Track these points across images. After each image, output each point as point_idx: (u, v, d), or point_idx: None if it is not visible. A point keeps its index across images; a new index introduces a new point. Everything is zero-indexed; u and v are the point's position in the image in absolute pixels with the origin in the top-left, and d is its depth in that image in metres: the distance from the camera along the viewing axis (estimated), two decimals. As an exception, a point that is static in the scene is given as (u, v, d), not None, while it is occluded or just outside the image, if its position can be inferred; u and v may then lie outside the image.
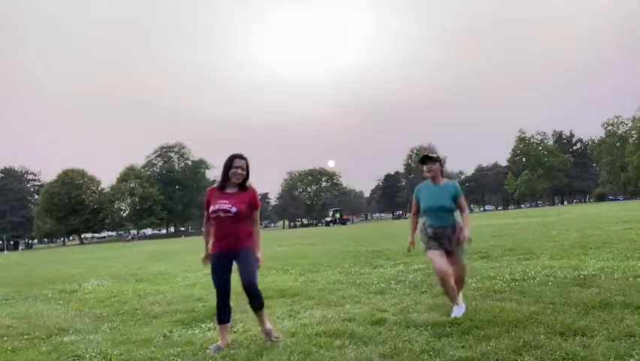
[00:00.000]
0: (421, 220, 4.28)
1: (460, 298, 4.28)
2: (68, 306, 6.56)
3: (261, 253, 3.87)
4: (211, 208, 3.71)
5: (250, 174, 3.83)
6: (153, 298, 6.61)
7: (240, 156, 3.79)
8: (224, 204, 3.68)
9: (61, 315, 5.83)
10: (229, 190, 3.79)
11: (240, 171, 3.73)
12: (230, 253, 3.72)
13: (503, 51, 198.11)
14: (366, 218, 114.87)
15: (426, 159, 4.19)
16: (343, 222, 65.43)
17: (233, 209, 3.68)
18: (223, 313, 3.77)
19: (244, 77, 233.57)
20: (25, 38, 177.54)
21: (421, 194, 4.25)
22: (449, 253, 4.15)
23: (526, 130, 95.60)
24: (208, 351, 3.63)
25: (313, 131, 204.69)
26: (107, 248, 36.66)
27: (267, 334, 3.79)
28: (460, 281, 4.27)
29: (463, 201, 4.20)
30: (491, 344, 3.15)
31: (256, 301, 3.74)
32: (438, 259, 4.08)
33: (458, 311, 4.08)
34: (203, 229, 3.93)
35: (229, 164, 3.75)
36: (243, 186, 3.81)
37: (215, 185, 3.87)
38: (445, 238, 4.12)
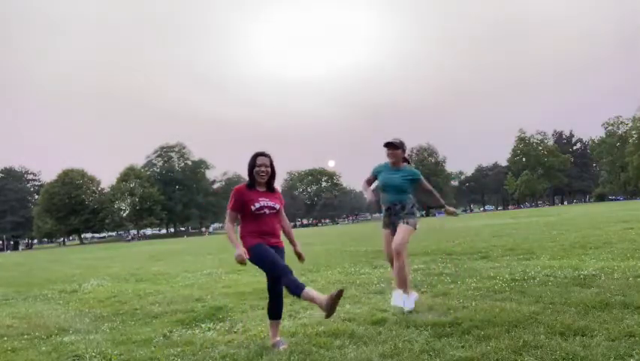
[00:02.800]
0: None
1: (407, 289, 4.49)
2: (68, 306, 6.56)
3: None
4: (255, 205, 3.58)
5: (275, 172, 3.75)
6: (153, 298, 6.61)
7: (263, 154, 3.70)
8: (267, 201, 3.64)
9: (61, 315, 5.83)
10: (260, 189, 3.71)
11: (263, 168, 3.64)
12: (272, 246, 3.64)
13: (503, 51, 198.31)
14: (356, 218, 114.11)
15: (389, 145, 4.64)
16: None
17: (277, 205, 3.69)
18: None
19: (244, 77, 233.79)
20: (25, 38, 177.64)
21: (380, 173, 4.69)
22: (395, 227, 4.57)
23: (526, 130, 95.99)
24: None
25: (313, 131, 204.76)
26: (107, 248, 36.68)
27: (274, 345, 3.61)
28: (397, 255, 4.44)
29: (425, 183, 4.73)
30: (491, 344, 3.15)
31: (279, 306, 3.67)
32: (387, 240, 4.61)
33: (401, 300, 4.37)
34: (226, 227, 3.71)
35: (252, 163, 3.67)
36: (270, 186, 3.74)
37: (243, 184, 3.75)
38: (394, 212, 4.59)
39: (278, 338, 3.67)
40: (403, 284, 4.44)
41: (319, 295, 3.30)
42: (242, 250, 3.43)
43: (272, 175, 3.72)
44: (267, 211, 3.62)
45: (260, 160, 3.65)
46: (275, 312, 3.67)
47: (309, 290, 3.31)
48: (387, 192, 4.61)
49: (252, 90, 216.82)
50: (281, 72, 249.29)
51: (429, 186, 4.75)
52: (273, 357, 3.32)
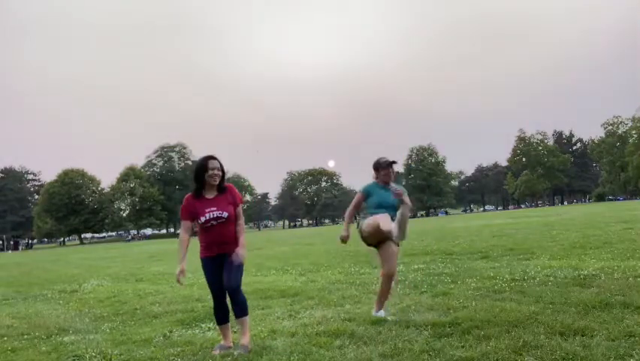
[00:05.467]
0: (369, 214, 4.35)
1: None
2: (68, 306, 6.56)
3: (244, 250, 3.65)
4: (201, 219, 3.57)
5: (225, 173, 3.70)
6: (153, 298, 6.61)
7: (213, 157, 3.66)
8: (214, 212, 3.57)
9: (61, 315, 5.83)
10: (209, 195, 3.64)
11: (216, 172, 3.60)
12: (221, 257, 3.64)
13: (504, 51, 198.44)
14: (355, 219, 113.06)
15: (392, 164, 4.41)
16: None
17: (225, 214, 3.58)
18: (221, 315, 3.73)
19: (244, 77, 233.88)
20: (26, 38, 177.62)
21: (373, 192, 4.39)
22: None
23: (526, 130, 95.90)
24: (214, 352, 3.56)
25: (313, 131, 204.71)
26: (107, 248, 36.66)
27: (241, 347, 3.58)
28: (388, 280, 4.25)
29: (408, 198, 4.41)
30: (491, 344, 3.15)
31: (237, 306, 3.64)
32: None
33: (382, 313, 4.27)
34: (179, 238, 3.67)
35: (204, 167, 3.60)
36: (220, 187, 3.67)
37: (191, 193, 3.68)
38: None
39: (243, 341, 3.64)
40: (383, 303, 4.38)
41: (230, 337, 3.75)
42: (180, 270, 3.55)
43: (222, 177, 3.69)
44: (213, 223, 3.58)
45: (211, 164, 3.61)
46: (237, 312, 3.66)
47: (226, 328, 3.74)
48: (385, 211, 4.30)
49: (251, 90, 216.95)
50: (281, 72, 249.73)
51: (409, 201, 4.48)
52: (273, 357, 3.32)
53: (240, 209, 3.76)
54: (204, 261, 3.69)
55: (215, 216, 3.57)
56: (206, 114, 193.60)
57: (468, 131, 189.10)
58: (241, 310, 3.64)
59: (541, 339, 3.16)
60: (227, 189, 3.71)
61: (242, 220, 3.76)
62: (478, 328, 3.58)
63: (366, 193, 4.42)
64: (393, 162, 4.42)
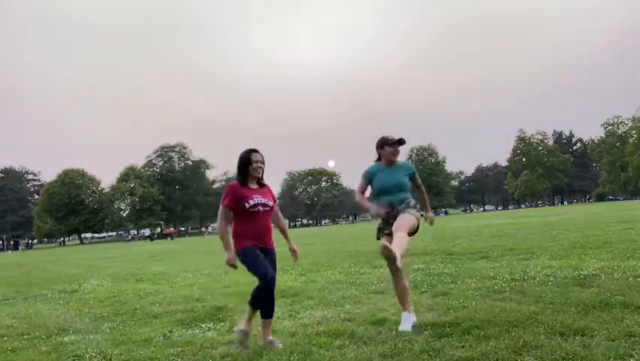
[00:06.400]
0: (374, 204, 4.07)
1: (410, 307, 3.95)
2: (68, 306, 6.56)
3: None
4: (250, 202, 3.59)
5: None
6: (153, 298, 6.61)
7: (257, 150, 3.76)
8: (261, 198, 3.65)
9: (61, 315, 5.83)
10: (252, 186, 3.72)
11: (260, 164, 3.70)
12: (263, 248, 3.65)
13: (504, 51, 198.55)
14: (355, 219, 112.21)
15: (400, 142, 4.03)
16: (164, 236, 71.06)
17: (270, 203, 3.71)
18: (271, 305, 3.65)
19: (244, 77, 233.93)
20: (26, 38, 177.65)
21: (375, 175, 4.06)
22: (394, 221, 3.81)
23: (526, 130, 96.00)
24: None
25: (313, 131, 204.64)
26: (107, 248, 36.67)
27: (270, 343, 3.64)
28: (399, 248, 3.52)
29: (419, 179, 4.18)
30: (491, 344, 3.15)
31: (273, 303, 3.67)
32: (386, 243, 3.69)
33: (407, 323, 3.79)
34: (219, 225, 3.66)
35: (248, 159, 3.68)
36: (260, 182, 3.77)
37: (236, 181, 3.73)
38: (395, 212, 3.86)
39: (270, 338, 3.71)
40: (406, 299, 3.91)
41: (250, 323, 3.72)
42: (233, 255, 3.59)
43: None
44: (260, 209, 3.64)
45: (255, 156, 3.71)
46: (267, 312, 3.69)
47: (247, 316, 3.69)
48: (387, 194, 3.95)
49: (251, 90, 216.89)
50: (281, 72, 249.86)
51: (420, 182, 4.20)
52: (273, 357, 3.32)
53: (277, 207, 3.91)
54: (250, 248, 3.56)
55: (262, 202, 3.65)
56: (206, 114, 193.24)
57: (468, 131, 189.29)
58: (273, 310, 3.71)
59: (541, 339, 3.16)
60: (267, 186, 3.83)
61: (284, 219, 4.05)
62: (478, 328, 3.58)
63: (368, 177, 4.08)
64: (402, 140, 4.03)
